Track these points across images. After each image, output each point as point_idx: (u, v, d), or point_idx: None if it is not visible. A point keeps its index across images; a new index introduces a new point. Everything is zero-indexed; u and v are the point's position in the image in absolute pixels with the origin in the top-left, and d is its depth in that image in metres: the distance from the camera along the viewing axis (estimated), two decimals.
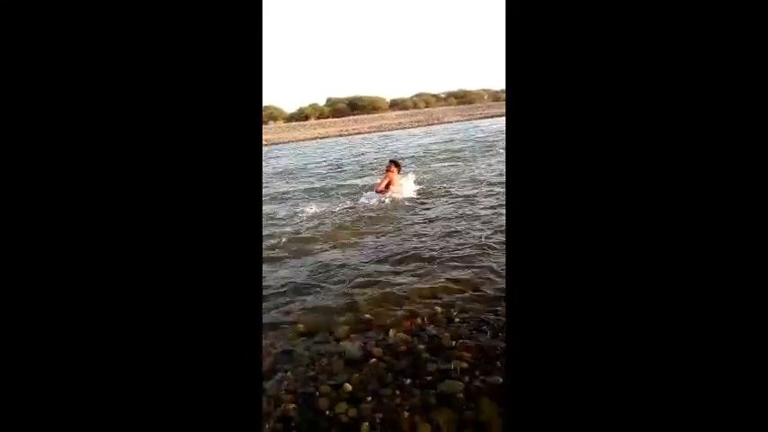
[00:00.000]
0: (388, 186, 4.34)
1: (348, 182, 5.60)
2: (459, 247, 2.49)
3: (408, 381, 1.33)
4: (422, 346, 1.51)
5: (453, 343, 1.51)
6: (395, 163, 4.72)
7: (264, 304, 1.94)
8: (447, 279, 2.06)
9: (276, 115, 44.54)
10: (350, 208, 3.90)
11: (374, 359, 1.47)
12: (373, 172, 6.13)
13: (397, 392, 1.28)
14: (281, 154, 11.64)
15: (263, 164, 8.26)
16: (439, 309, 1.78)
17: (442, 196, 4.04)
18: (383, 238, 2.88)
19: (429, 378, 1.33)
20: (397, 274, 2.22)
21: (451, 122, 18.91)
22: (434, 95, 51.71)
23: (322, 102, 50.13)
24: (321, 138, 17.80)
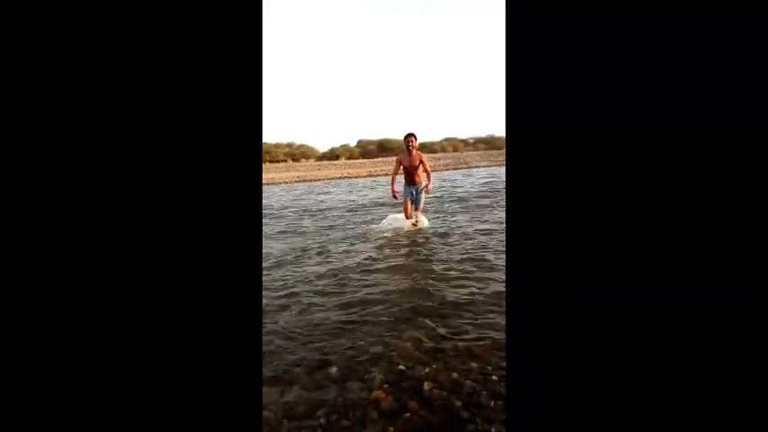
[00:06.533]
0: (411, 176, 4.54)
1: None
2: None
3: None
4: (459, 403, 1.47)
5: (492, 403, 1.46)
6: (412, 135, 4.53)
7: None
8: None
9: (309, 154, 46.85)
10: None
11: (409, 413, 1.44)
12: None
13: None
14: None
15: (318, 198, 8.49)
16: (474, 364, 1.73)
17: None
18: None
19: None
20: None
21: (479, 167, 19.09)
22: (462, 140, 52.82)
23: (353, 143, 52.25)
24: (350, 177, 18.35)
